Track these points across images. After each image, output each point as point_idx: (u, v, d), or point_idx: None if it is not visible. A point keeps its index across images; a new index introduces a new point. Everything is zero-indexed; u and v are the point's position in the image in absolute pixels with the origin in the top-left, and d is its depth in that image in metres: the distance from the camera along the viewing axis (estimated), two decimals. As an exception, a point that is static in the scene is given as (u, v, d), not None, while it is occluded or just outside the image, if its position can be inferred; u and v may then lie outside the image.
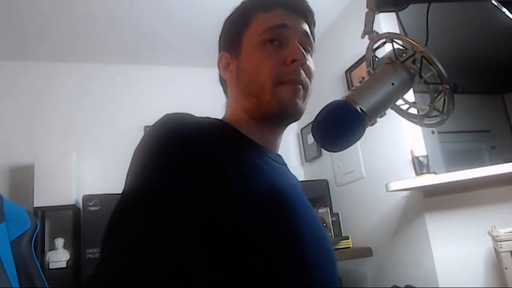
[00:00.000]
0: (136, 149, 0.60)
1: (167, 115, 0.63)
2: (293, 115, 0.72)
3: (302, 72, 0.71)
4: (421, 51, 0.62)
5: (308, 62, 0.72)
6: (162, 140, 0.58)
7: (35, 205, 2.30)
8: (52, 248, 2.43)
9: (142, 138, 0.61)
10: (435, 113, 0.68)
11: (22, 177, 2.55)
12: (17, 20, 2.40)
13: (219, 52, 0.81)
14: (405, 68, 0.64)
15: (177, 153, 0.56)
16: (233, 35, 0.77)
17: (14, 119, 2.74)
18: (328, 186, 2.80)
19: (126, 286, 0.43)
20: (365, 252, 2.35)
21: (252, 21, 0.74)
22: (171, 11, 2.48)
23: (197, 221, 0.52)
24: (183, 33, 2.73)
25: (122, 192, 0.55)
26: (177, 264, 0.46)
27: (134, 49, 2.93)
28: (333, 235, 2.44)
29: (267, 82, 0.69)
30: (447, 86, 0.63)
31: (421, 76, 0.64)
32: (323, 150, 2.89)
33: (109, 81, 3.03)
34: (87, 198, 2.34)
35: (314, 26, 0.79)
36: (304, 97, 0.72)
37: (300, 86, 0.71)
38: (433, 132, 3.05)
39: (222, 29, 0.82)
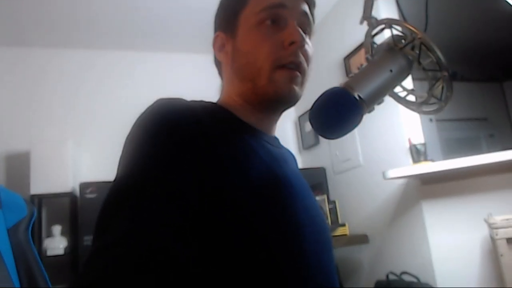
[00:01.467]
0: (127, 137, 0.59)
1: (159, 100, 0.61)
2: (289, 101, 0.70)
3: (301, 55, 0.69)
4: (419, 38, 0.62)
5: (306, 46, 0.70)
6: (153, 128, 0.57)
7: (32, 192, 2.30)
8: (49, 235, 2.44)
9: (133, 125, 0.59)
10: (433, 100, 0.68)
11: (19, 165, 2.54)
12: (12, 5, 2.37)
13: (215, 32, 0.78)
14: (404, 54, 0.64)
15: (167, 141, 0.55)
16: (230, 14, 0.74)
17: (10, 106, 2.72)
18: (325, 173, 2.81)
19: (115, 285, 0.42)
20: (362, 239, 2.37)
21: (249, 0, 0.71)
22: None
23: (191, 211, 0.51)
24: (182, 18, 2.69)
25: (114, 181, 0.54)
26: (167, 259, 0.45)
27: (132, 35, 2.90)
28: (330, 223, 2.46)
29: (264, 66, 0.67)
30: (446, 73, 0.63)
31: (419, 63, 0.63)
32: (320, 138, 2.89)
33: (107, 68, 3.00)
34: (84, 186, 2.34)
35: (314, 7, 0.76)
36: (302, 83, 0.70)
37: (298, 73, 0.69)
38: (431, 120, 3.05)
39: (218, 7, 0.79)
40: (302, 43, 0.68)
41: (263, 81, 0.68)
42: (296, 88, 0.69)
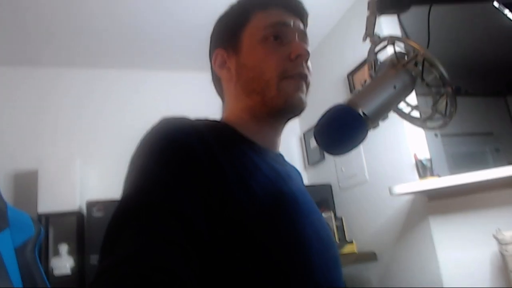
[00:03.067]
0: (132, 155, 0.60)
1: (164, 119, 0.62)
2: (298, 109, 0.72)
3: (305, 67, 0.72)
4: (422, 54, 0.62)
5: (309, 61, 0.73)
6: (158, 147, 0.57)
7: (39, 211, 2.31)
8: (56, 254, 2.43)
9: (139, 144, 0.60)
10: (437, 116, 0.68)
11: (26, 183, 2.56)
12: (20, 25, 2.42)
13: (212, 50, 0.79)
14: (407, 71, 0.64)
15: (172, 160, 0.56)
16: (231, 31, 0.76)
17: (18, 125, 2.75)
18: (331, 190, 2.79)
19: None
20: (370, 257, 2.33)
21: (251, 18, 0.74)
22: (174, 16, 2.49)
23: (196, 230, 0.51)
24: (186, 38, 2.74)
25: (119, 201, 0.54)
26: (171, 278, 0.45)
27: (137, 54, 2.94)
28: (337, 240, 2.43)
29: (272, 78, 0.69)
30: (450, 89, 0.63)
31: (423, 79, 0.63)
32: (326, 154, 2.89)
33: (113, 86, 3.04)
34: (91, 204, 2.35)
35: (306, 27, 0.79)
36: (306, 92, 0.73)
37: (303, 82, 0.72)
38: (436, 135, 3.04)
39: (215, 26, 0.81)
40: (307, 57, 0.71)
41: (272, 92, 0.69)
42: (303, 96, 0.72)
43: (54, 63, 2.90)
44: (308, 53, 0.71)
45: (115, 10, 2.38)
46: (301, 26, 0.76)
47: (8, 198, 2.57)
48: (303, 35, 0.75)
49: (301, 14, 0.77)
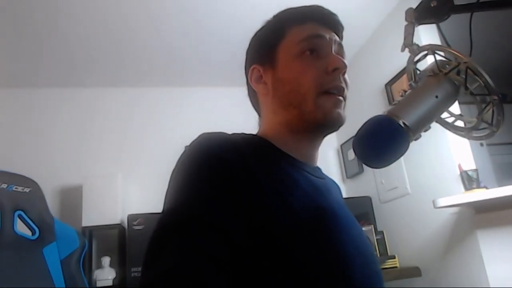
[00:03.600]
0: (173, 171, 0.61)
1: (202, 135, 0.63)
2: (336, 125, 0.71)
3: (343, 81, 0.71)
4: (465, 62, 0.60)
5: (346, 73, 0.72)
6: (197, 163, 0.58)
7: (83, 224, 2.38)
8: (99, 266, 2.50)
9: (179, 159, 0.61)
10: (483, 125, 0.65)
11: (72, 198, 2.66)
12: (66, 48, 2.54)
13: (248, 66, 0.80)
14: (449, 80, 0.62)
15: (212, 176, 0.56)
16: (267, 46, 0.76)
17: (64, 143, 2.88)
18: (371, 203, 2.73)
19: None
20: (414, 272, 2.25)
21: (287, 33, 0.74)
22: (212, 33, 2.55)
23: (235, 246, 0.51)
24: (223, 54, 2.79)
25: (160, 215, 0.55)
26: None
27: (177, 73, 3.02)
28: (378, 254, 2.36)
29: (309, 92, 0.69)
30: (495, 97, 0.60)
31: (466, 88, 0.61)
32: (364, 166, 2.83)
33: (152, 104, 3.13)
34: (132, 218, 2.41)
35: (342, 39, 0.78)
36: (344, 108, 0.72)
37: (341, 98, 0.71)
38: (482, 144, 2.92)
39: (251, 42, 0.82)
40: (344, 69, 0.70)
41: (309, 106, 0.69)
42: (341, 112, 0.70)
43: (97, 84, 3.02)
44: (345, 66, 0.70)
45: (156, 30, 2.46)
46: (337, 38, 0.75)
47: (54, 212, 2.68)
48: (340, 48, 0.75)
49: (337, 28, 0.76)
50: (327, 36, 0.73)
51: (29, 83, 2.89)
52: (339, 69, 0.69)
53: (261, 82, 0.77)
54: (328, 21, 0.75)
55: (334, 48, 0.73)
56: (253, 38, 0.82)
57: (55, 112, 2.95)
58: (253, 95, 0.82)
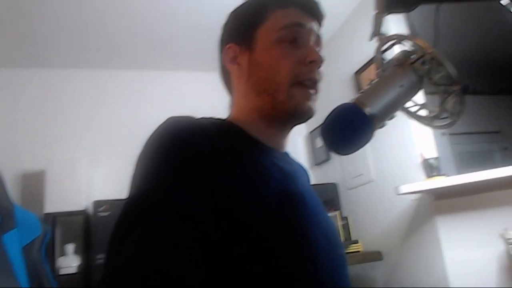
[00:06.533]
0: (139, 155, 0.59)
1: (170, 118, 0.61)
2: (306, 117, 0.71)
3: (317, 73, 0.72)
4: (430, 52, 0.62)
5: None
6: (164, 147, 0.57)
7: (46, 211, 2.32)
8: (63, 254, 2.45)
9: (145, 143, 0.60)
10: (445, 114, 0.67)
11: (34, 183, 2.57)
12: (29, 28, 2.43)
13: (224, 43, 0.78)
14: (414, 69, 0.63)
15: (179, 160, 0.55)
16: (246, 27, 0.74)
17: (26, 126, 2.77)
18: (337, 189, 2.79)
19: None
20: (376, 256, 2.33)
21: (269, 15, 0.72)
22: (181, 17, 2.50)
23: (203, 232, 0.51)
24: (192, 39, 2.74)
25: (126, 201, 0.54)
26: (175, 281, 0.45)
27: (144, 55, 2.95)
28: (343, 239, 2.43)
29: (284, 81, 0.69)
30: (458, 87, 0.62)
31: (430, 78, 0.63)
32: (332, 153, 2.88)
33: (118, 87, 3.05)
34: (97, 204, 2.36)
35: (322, 26, 0.78)
36: (315, 100, 0.72)
37: (314, 90, 0.71)
38: (443, 133, 3.02)
39: (229, 18, 0.79)
40: (320, 64, 0.71)
41: (282, 96, 0.69)
42: (312, 105, 0.71)
43: (61, 65, 2.91)
44: (322, 60, 0.71)
45: (123, 12, 2.39)
46: (317, 28, 0.75)
47: (15, 198, 2.58)
48: (318, 39, 0.75)
49: (318, 16, 0.76)
50: (308, 25, 0.72)
51: (-13, 63, 2.76)
52: (316, 62, 0.70)
53: (236, 62, 0.75)
54: (311, 8, 0.74)
55: (312, 39, 0.73)
56: (232, 13, 0.79)
57: (17, 93, 2.83)
58: (225, 74, 0.80)
